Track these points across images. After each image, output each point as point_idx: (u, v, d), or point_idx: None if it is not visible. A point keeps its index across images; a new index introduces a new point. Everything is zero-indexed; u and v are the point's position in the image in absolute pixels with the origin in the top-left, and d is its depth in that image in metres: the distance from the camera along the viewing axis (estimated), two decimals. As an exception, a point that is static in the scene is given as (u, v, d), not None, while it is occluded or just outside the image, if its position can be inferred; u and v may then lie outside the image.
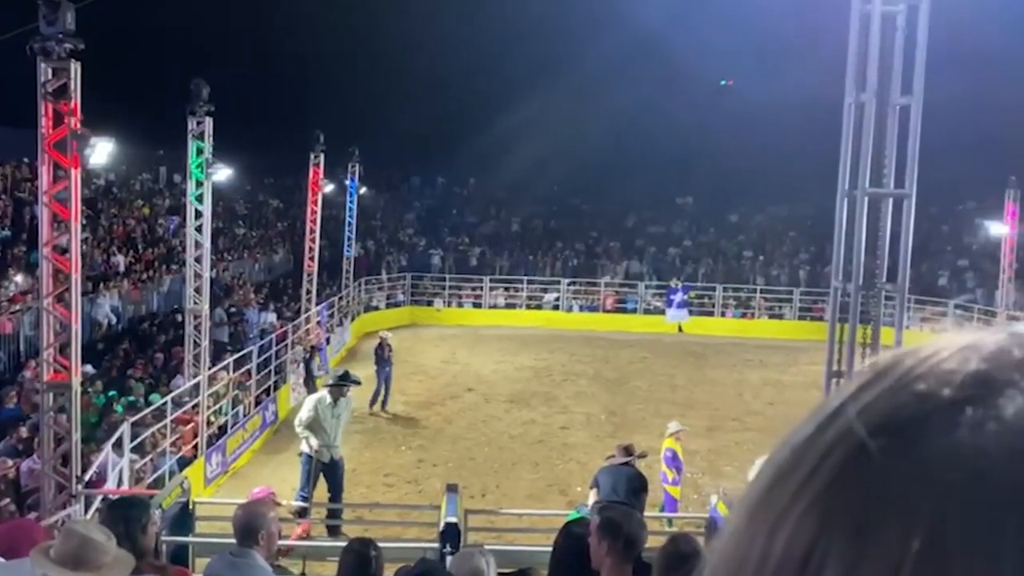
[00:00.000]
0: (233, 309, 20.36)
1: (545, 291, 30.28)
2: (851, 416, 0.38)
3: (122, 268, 20.16)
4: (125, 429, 10.08)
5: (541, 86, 34.33)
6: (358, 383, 9.95)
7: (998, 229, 26.11)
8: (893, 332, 6.58)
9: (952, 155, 23.86)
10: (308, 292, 21.06)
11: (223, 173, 15.53)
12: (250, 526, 3.84)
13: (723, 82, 37.98)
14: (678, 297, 28.50)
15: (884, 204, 5.62)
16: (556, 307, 29.69)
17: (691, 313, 28.78)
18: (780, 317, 29.56)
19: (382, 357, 16.52)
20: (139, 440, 10.79)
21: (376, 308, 28.13)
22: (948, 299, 28.07)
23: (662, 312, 28.95)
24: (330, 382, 9.60)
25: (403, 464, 13.55)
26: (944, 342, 0.40)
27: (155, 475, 10.93)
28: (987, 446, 0.34)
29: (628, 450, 8.14)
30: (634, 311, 29.73)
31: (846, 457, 0.37)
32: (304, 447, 9.31)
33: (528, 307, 29.85)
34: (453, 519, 7.07)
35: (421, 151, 37.25)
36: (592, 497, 7.57)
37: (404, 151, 36.56)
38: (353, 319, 25.21)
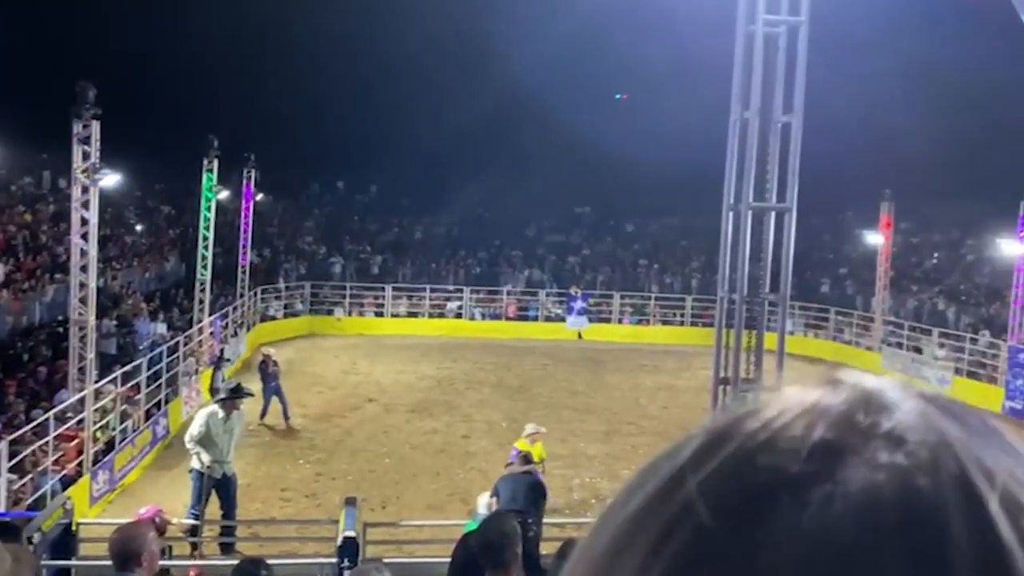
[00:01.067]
0: (121, 320, 19.56)
1: (448, 299, 30.30)
2: (691, 490, 0.35)
3: (1, 277, 19.08)
4: (2, 448, 9.57)
5: (445, 95, 34.47)
6: (251, 395, 9.69)
7: (875, 238, 27.70)
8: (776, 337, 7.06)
9: (833, 167, 25.18)
10: (201, 302, 20.44)
11: (111, 179, 14.94)
12: (128, 549, 3.70)
13: (617, 96, 38.94)
14: (578, 305, 29.00)
15: (767, 217, 5.82)
16: (459, 315, 29.74)
17: (590, 320, 29.34)
18: (674, 323, 30.50)
19: (266, 373, 16.15)
20: (18, 459, 10.26)
21: (273, 318, 27.51)
22: (829, 305, 29.57)
23: (563, 319, 29.41)
24: (222, 395, 9.31)
25: (301, 478, 13.32)
26: (786, 401, 0.39)
27: (35, 495, 10.41)
28: (836, 526, 0.33)
29: (527, 458, 8.19)
30: (535, 319, 30.11)
31: (687, 542, 0.34)
32: (195, 463, 9.02)
33: (431, 315, 29.80)
34: (351, 533, 7.00)
35: (321, 157, 36.70)
36: (492, 506, 7.56)
37: (304, 157, 35.95)
38: (249, 329, 24.59)
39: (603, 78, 35.03)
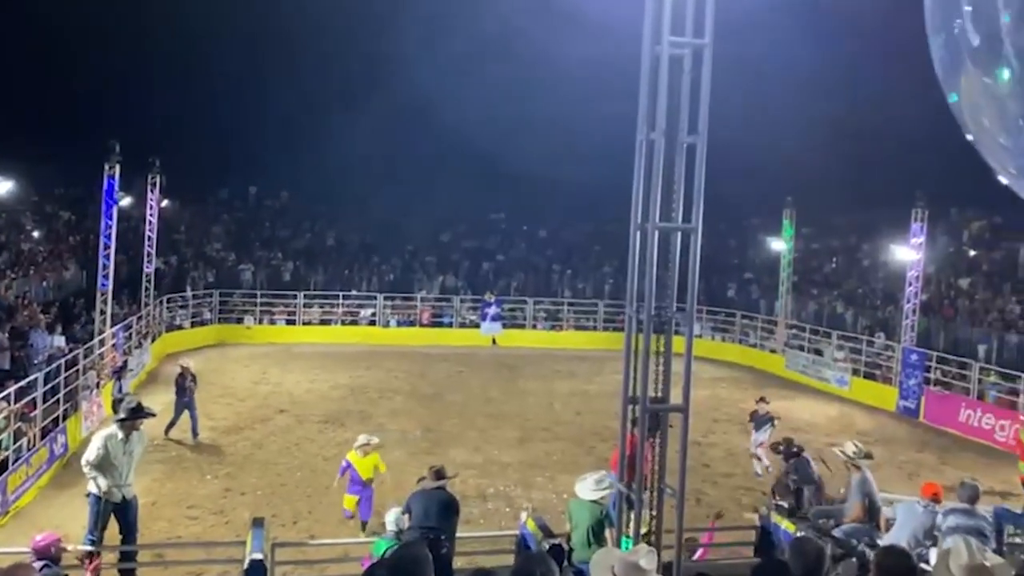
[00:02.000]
0: (16, 332, 18.66)
1: (361, 306, 30.04)
2: None
3: None
4: None
5: (359, 100, 34.13)
6: (152, 415, 9.37)
7: (777, 244, 28.80)
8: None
9: (739, 177, 26.05)
10: (103, 312, 19.70)
11: (3, 185, 14.30)
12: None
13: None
14: (492, 310, 29.22)
15: (674, 235, 5.94)
16: (372, 322, 29.53)
17: (504, 326, 29.58)
18: (587, 328, 30.99)
19: (183, 387, 15.71)
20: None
21: (180, 327, 26.73)
22: (735, 309, 30.57)
23: (477, 326, 29.56)
24: (121, 416, 8.96)
25: (208, 494, 13.00)
26: None
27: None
28: None
29: (439, 473, 8.07)
30: (450, 325, 30.14)
31: None
32: (92, 487, 8.68)
33: (344, 323, 29.50)
34: (259, 555, 6.88)
35: (231, 162, 35.82)
36: (403, 522, 7.54)
37: (212, 162, 35.01)
38: (154, 340, 23.84)
39: (516, 87, 35.29)
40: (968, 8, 4.06)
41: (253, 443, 15.96)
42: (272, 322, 29.05)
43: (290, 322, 29.10)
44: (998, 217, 27.48)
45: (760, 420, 15.12)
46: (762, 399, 15.77)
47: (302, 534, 11.16)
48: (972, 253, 27.18)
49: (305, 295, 29.62)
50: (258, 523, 7.70)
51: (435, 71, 31.25)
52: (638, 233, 5.92)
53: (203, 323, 27.80)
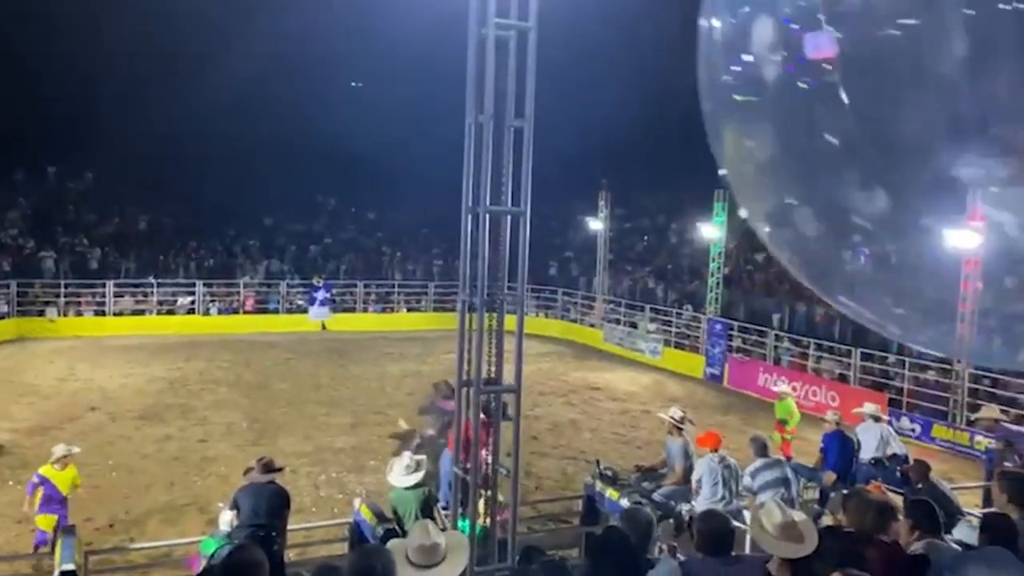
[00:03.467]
0: None
1: (178, 294, 28.65)
2: None
3: None
4: None
5: (171, 75, 32.15)
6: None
7: (595, 225, 30.21)
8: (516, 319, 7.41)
9: (559, 160, 26.92)
10: None
11: None
12: None
13: (354, 84, 38.72)
14: (320, 295, 28.75)
15: (504, 218, 6.00)
16: (192, 311, 28.28)
17: (333, 310, 29.22)
18: (418, 310, 31.21)
19: None
20: None
21: (-29, 322, 24.47)
22: (557, 287, 31.85)
23: (305, 311, 29.01)
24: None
25: (11, 501, 12.08)
26: None
27: None
28: None
29: (268, 466, 7.71)
30: (276, 311, 29.41)
31: None
32: None
33: (160, 312, 28.06)
34: (70, 566, 6.52)
35: (27, 140, 32.71)
36: (233, 520, 7.32)
37: (6, 140, 31.84)
38: (-60, 338, 21.73)
39: (343, 68, 34.60)
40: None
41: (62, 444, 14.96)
42: (79, 314, 27.15)
43: (99, 313, 27.32)
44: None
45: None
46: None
47: (120, 538, 10.69)
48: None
49: (115, 284, 27.87)
50: (68, 531, 7.29)
51: (256, 47, 29.97)
52: (469, 216, 5.93)
53: (0, 316, 25.58)
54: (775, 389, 15.70)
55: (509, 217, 5.99)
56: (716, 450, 9.06)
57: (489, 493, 6.16)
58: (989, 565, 4.27)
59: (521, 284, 6.02)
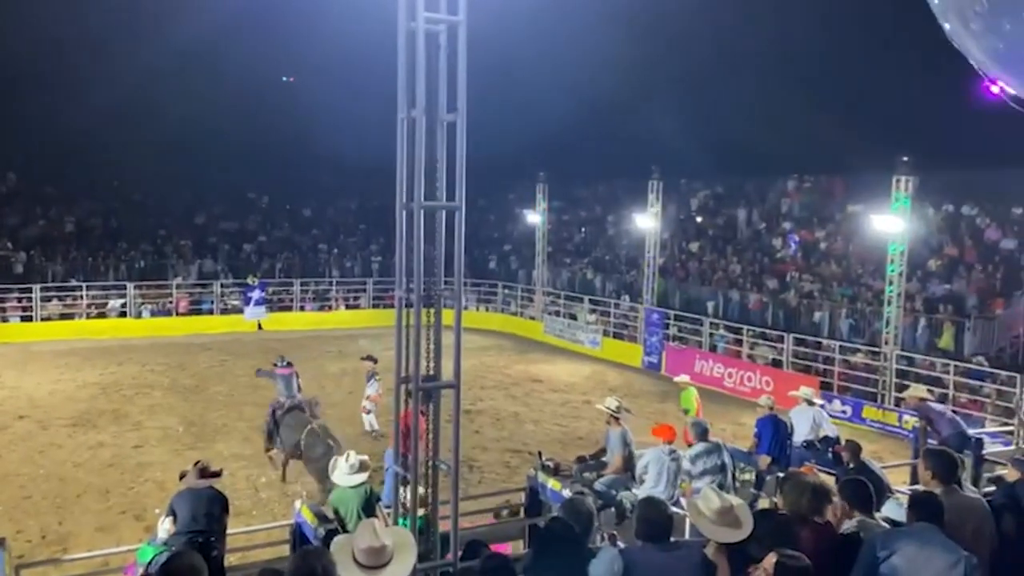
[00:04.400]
0: None
1: (109, 297, 27.84)
2: None
3: None
4: None
5: (88, 68, 30.96)
6: None
7: (533, 218, 30.36)
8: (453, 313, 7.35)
9: (496, 153, 26.95)
10: None
11: None
12: None
13: (284, 79, 38.08)
14: (256, 294, 28.32)
15: (439, 214, 5.91)
16: (123, 314, 27.53)
17: (269, 310, 28.78)
18: (357, 307, 30.93)
19: None
20: None
21: None
22: (497, 280, 31.96)
23: (240, 311, 28.52)
24: None
25: (-62, 516, 11.70)
26: None
27: None
28: None
29: (204, 470, 7.45)
30: (210, 312, 28.83)
31: None
32: None
33: (89, 316, 27.23)
34: (0, 581, 6.35)
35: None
36: (168, 527, 7.13)
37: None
38: None
39: (270, 61, 33.89)
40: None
41: (-12, 456, 14.47)
42: (4, 320, 26.23)
43: (26, 319, 26.41)
44: (719, 187, 30.75)
45: (368, 376, 16.41)
46: (368, 357, 17.05)
47: (53, 549, 10.39)
48: (699, 219, 30.17)
49: (42, 288, 26.93)
50: None
51: (183, 41, 29.14)
52: (403, 212, 5.81)
53: (-85, 326, 24.54)
54: (675, 380, 16.02)
55: (444, 212, 5.97)
56: (670, 443, 9.23)
57: (430, 489, 6.14)
58: (918, 540, 4.46)
59: (458, 279, 5.97)
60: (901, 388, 17.80)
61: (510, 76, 25.84)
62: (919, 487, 6.35)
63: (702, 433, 9.36)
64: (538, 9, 23.13)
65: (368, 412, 16.32)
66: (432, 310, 5.92)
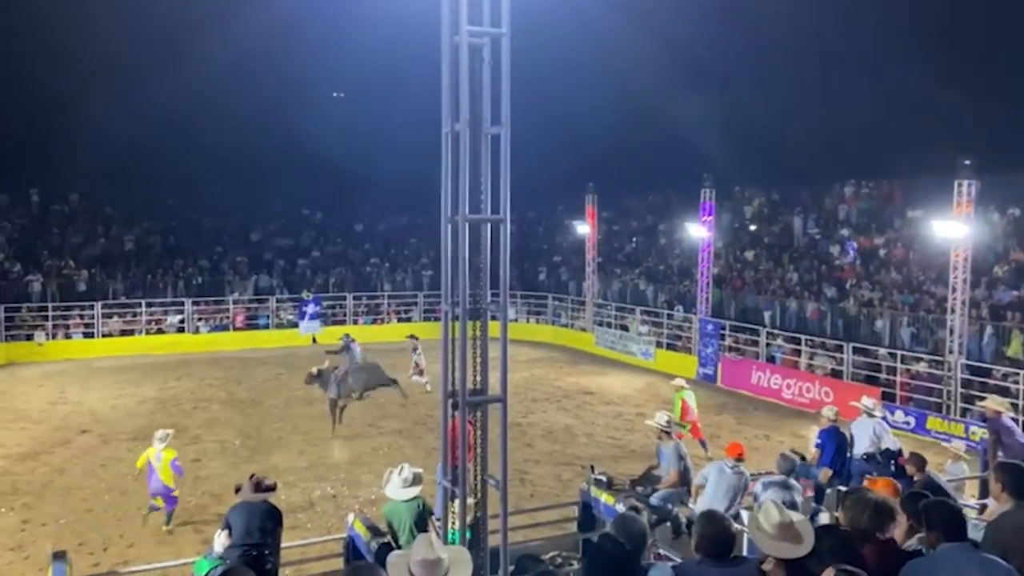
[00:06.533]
0: None
1: (167, 313, 28.51)
2: None
3: None
4: None
5: (145, 91, 31.86)
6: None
7: (583, 228, 30.22)
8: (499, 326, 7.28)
9: (545, 165, 26.95)
10: None
11: None
12: None
13: (335, 94, 38.65)
14: (310, 309, 28.60)
15: (484, 227, 5.88)
16: (181, 330, 28.14)
17: (324, 323, 29.09)
18: (408, 320, 31.09)
19: None
20: None
21: (-41, 349, 24.27)
22: (547, 292, 31.84)
23: (295, 325, 28.88)
24: None
25: (3, 528, 12.02)
26: None
27: None
28: None
29: (259, 484, 7.49)
30: (266, 327, 29.29)
31: None
32: None
33: (149, 332, 27.90)
34: (62, 594, 6.44)
35: (8, 165, 32.45)
36: (222, 539, 7.19)
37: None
38: (-72, 365, 21.54)
39: (320, 77, 34.45)
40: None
41: (53, 468, 14.86)
42: (68, 336, 26.98)
43: (88, 335, 27.16)
44: (775, 194, 30.19)
45: (413, 350, 21.12)
46: (412, 336, 21.78)
47: (114, 562, 10.58)
48: (753, 228, 29.67)
49: (103, 305, 27.71)
50: (59, 556, 7.05)
51: (230, 60, 29.78)
52: (449, 226, 5.79)
53: (-14, 343, 25.41)
54: (672, 383, 16.01)
55: (489, 225, 5.90)
56: (737, 459, 9.02)
57: (479, 503, 6.04)
58: (982, 564, 4.24)
59: (504, 291, 5.91)
60: (967, 399, 17.19)
61: (558, 89, 25.88)
62: (988, 501, 6.07)
63: (787, 468, 8.98)
64: (584, 22, 23.10)
65: (420, 374, 20.51)
66: (479, 323, 5.88)
